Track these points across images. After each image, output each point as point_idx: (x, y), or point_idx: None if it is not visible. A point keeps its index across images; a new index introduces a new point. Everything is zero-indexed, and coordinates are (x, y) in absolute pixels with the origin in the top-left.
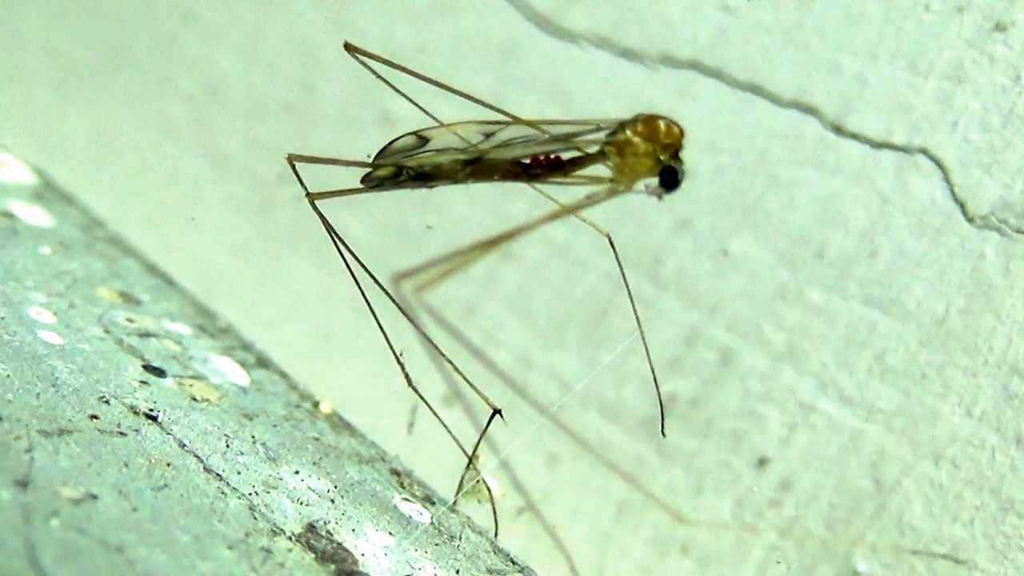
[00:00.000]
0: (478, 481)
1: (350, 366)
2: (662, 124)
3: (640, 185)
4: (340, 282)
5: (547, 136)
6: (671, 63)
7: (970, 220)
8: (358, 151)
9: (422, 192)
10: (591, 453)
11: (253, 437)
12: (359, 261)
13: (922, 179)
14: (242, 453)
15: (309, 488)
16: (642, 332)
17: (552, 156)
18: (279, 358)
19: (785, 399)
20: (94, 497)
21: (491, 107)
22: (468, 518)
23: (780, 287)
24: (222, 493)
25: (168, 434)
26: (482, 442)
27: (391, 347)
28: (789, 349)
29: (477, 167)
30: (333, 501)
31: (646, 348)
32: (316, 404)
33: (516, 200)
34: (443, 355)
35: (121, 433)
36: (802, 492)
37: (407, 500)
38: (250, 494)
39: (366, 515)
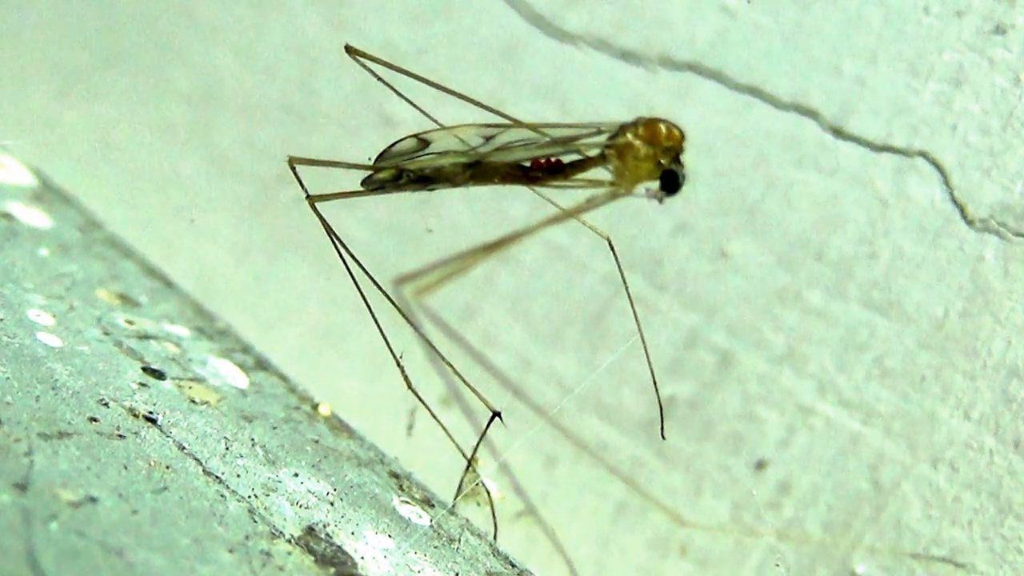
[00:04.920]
0: (477, 483)
1: (349, 368)
2: (663, 127)
3: (640, 188)
4: (340, 284)
5: (547, 139)
6: (670, 65)
7: (969, 223)
8: (357, 153)
9: (422, 195)
10: (590, 455)
11: (252, 439)
12: (359, 263)
13: (921, 182)
14: (241, 456)
15: (308, 491)
16: (642, 334)
17: (552, 159)
18: (278, 360)
19: (784, 401)
20: (93, 500)
21: (491, 110)
22: (467, 520)
23: (779, 289)
24: (222, 496)
25: (167, 437)
26: (481, 444)
27: (390, 349)
28: (788, 351)
29: (477, 170)
30: (332, 504)
31: (646, 350)
32: (315, 406)
33: (516, 203)
34: (442, 357)
35: (120, 436)
36: (801, 494)
37: (406, 503)
38: (249, 497)
39: (365, 518)
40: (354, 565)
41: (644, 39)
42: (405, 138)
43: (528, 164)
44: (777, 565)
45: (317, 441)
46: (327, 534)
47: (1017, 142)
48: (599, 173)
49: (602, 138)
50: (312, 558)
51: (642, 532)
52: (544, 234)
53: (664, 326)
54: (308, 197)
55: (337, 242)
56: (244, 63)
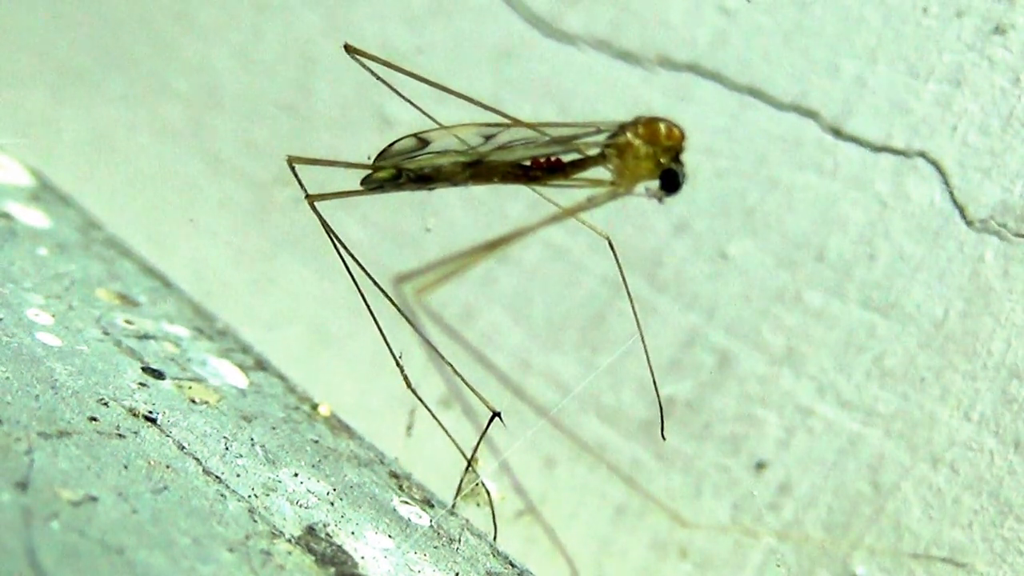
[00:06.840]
0: (477, 484)
1: (349, 368)
2: (663, 127)
3: (640, 188)
4: (339, 284)
5: (547, 138)
6: (670, 66)
7: (969, 223)
8: (356, 153)
9: (421, 194)
10: (590, 456)
11: (252, 439)
12: (358, 263)
13: (921, 182)
14: (241, 455)
15: (308, 491)
16: (641, 335)
17: (552, 158)
18: (278, 360)
19: (783, 402)
20: (94, 499)
21: (491, 109)
22: (467, 521)
23: (779, 290)
24: (221, 495)
25: (167, 436)
26: (481, 445)
27: (390, 349)
28: (788, 352)
29: (477, 169)
30: (332, 504)
31: (645, 351)
32: (315, 406)
33: (516, 202)
34: (442, 358)
35: (120, 435)
36: (800, 496)
37: (406, 503)
38: (249, 496)
39: (365, 518)
40: (354, 565)
41: (643, 39)
42: (404, 137)
43: (528, 163)
44: (777, 566)
45: (317, 441)
46: (327, 534)
47: (1017, 142)
48: (599, 172)
49: (602, 137)
50: (312, 558)
51: (642, 533)
52: (544, 234)
53: (663, 326)
54: (307, 197)
55: (336, 242)
56: (242, 63)
